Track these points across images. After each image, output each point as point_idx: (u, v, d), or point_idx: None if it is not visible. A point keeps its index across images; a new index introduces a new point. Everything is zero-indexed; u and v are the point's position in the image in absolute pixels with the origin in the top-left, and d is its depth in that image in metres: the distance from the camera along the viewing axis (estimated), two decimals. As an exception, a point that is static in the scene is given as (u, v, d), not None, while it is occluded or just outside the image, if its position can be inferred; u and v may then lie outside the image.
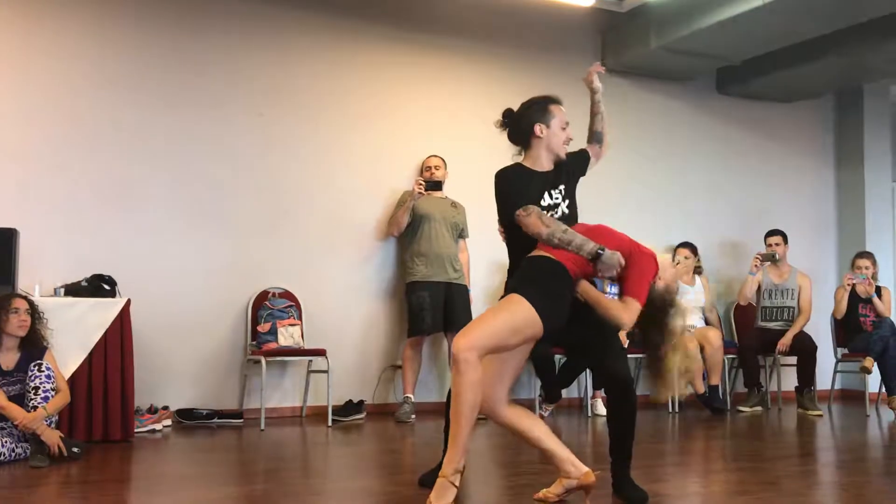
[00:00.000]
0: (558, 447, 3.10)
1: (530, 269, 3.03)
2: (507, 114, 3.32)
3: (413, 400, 5.78)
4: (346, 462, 4.47)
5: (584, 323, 3.09)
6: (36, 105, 5.30)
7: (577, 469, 3.09)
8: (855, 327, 6.66)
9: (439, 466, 2.97)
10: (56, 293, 4.79)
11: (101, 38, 5.48)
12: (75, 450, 4.08)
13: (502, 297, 3.04)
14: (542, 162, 3.29)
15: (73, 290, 4.80)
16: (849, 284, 6.63)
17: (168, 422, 5.22)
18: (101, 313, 4.68)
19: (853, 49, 6.43)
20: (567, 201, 3.28)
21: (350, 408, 5.74)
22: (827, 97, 7.98)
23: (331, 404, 5.49)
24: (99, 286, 4.85)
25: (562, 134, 3.29)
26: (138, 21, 5.59)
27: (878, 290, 6.65)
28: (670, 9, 6.28)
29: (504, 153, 3.41)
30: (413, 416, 5.69)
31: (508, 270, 3.31)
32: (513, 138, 3.34)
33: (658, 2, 6.31)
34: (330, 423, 5.43)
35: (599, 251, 2.92)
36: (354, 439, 5.10)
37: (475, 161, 5.78)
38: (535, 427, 3.12)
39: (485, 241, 5.88)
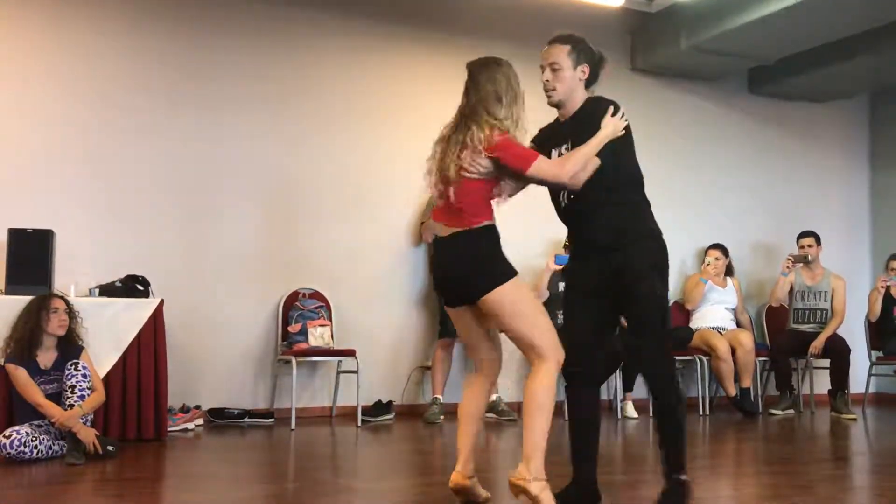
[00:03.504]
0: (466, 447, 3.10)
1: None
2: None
3: (442, 401, 5.79)
4: (376, 462, 4.49)
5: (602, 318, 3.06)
6: (69, 108, 5.39)
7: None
8: (889, 330, 6.57)
9: (573, 481, 3.01)
10: (91, 293, 4.86)
11: (135, 41, 5.56)
12: (110, 448, 4.14)
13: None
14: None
15: (107, 290, 4.86)
16: (883, 286, 6.54)
17: (200, 421, 5.28)
18: (134, 313, 4.74)
19: (886, 48, 6.34)
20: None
21: (379, 408, 5.77)
22: (860, 97, 7.87)
23: (360, 404, 5.51)
24: (133, 287, 4.92)
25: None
26: (169, 24, 5.65)
27: (913, 292, 6.56)
28: (700, 9, 6.23)
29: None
30: (442, 417, 5.70)
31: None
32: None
33: (688, 2, 6.27)
34: (359, 424, 5.46)
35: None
36: (383, 439, 5.12)
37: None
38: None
39: (513, 241, 5.86)
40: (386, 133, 6.17)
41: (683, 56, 6.65)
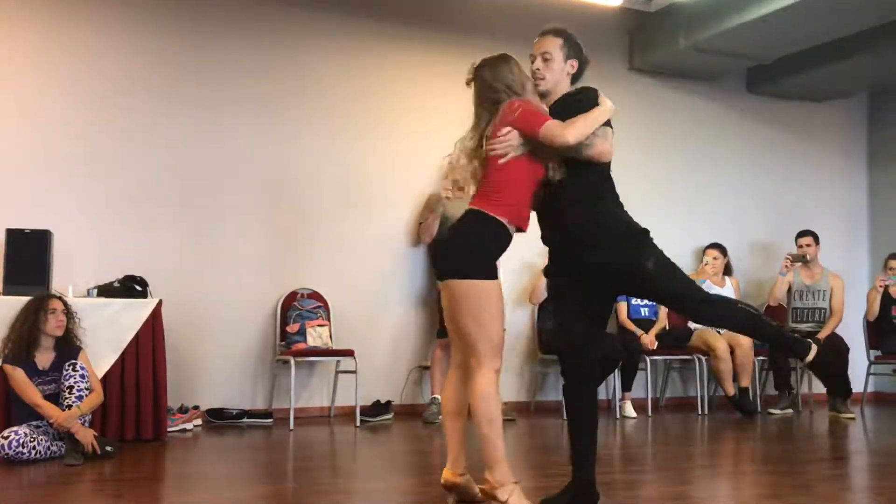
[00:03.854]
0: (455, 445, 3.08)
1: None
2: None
3: (441, 401, 5.78)
4: (375, 462, 4.49)
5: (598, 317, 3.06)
6: (68, 108, 5.38)
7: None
8: (887, 329, 6.57)
9: (573, 481, 2.98)
10: (89, 294, 4.86)
11: (134, 40, 5.55)
12: (109, 448, 4.14)
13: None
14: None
15: (105, 290, 4.86)
16: (881, 286, 6.54)
17: (198, 421, 5.28)
18: (133, 314, 4.74)
19: (885, 48, 6.35)
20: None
21: (378, 408, 5.77)
22: (859, 96, 7.87)
23: (359, 404, 5.51)
24: (131, 287, 4.91)
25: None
26: (170, 25, 5.65)
27: (912, 291, 6.56)
28: (699, 8, 6.24)
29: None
30: (440, 417, 5.69)
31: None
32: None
33: (687, 1, 6.27)
34: (358, 423, 5.46)
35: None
36: (382, 439, 5.12)
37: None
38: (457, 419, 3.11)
39: (513, 241, 5.86)
40: (385, 133, 6.16)
41: (682, 55, 6.65)
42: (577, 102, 2.97)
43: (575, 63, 3.09)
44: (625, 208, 3.04)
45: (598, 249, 2.94)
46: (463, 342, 2.96)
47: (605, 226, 2.96)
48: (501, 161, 2.92)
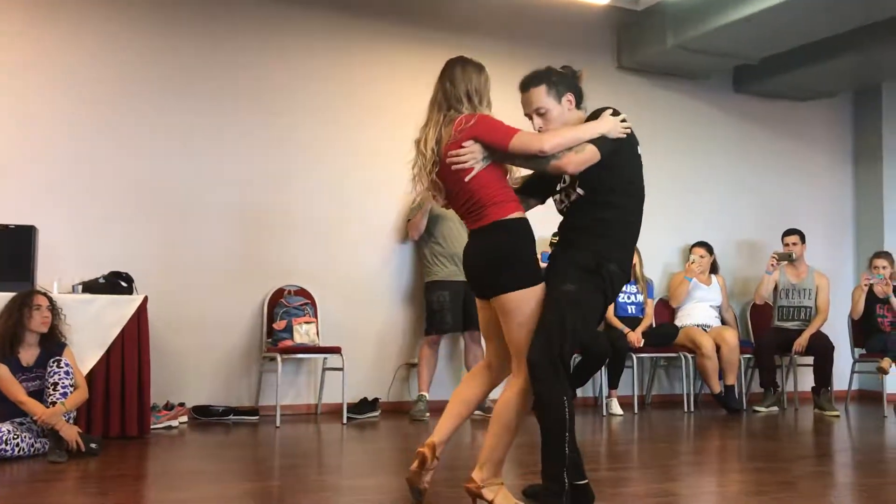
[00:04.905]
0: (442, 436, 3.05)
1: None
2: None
3: (428, 398, 5.78)
4: (361, 459, 4.49)
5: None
6: (53, 104, 5.34)
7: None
8: (872, 328, 6.61)
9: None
10: (74, 290, 4.83)
11: (120, 39, 5.52)
12: (93, 445, 4.12)
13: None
14: None
15: (90, 287, 4.83)
16: (866, 284, 6.58)
17: (184, 418, 5.26)
18: (118, 310, 4.71)
19: (870, 47, 6.39)
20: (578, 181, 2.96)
21: (365, 405, 5.76)
22: (845, 95, 7.92)
23: (346, 402, 5.50)
24: (116, 283, 4.89)
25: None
26: (157, 22, 5.62)
27: (896, 289, 6.61)
28: (686, 7, 6.25)
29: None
30: (428, 415, 5.70)
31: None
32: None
33: (674, 0, 6.29)
34: (345, 421, 5.45)
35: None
36: (369, 437, 5.12)
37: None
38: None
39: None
40: (372, 129, 6.15)
41: (669, 54, 6.67)
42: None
43: (571, 96, 3.02)
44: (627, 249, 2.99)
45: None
46: (512, 349, 2.93)
47: (576, 263, 2.89)
48: (468, 178, 2.88)
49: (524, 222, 2.91)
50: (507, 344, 2.96)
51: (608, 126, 2.89)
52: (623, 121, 2.94)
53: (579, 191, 2.96)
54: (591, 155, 2.84)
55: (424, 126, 3.02)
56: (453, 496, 3.22)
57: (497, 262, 2.87)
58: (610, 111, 2.94)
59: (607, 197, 2.93)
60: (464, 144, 2.87)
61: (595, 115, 2.98)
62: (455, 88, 2.97)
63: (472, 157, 2.87)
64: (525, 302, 2.85)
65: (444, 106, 2.98)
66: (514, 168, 3.04)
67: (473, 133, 2.87)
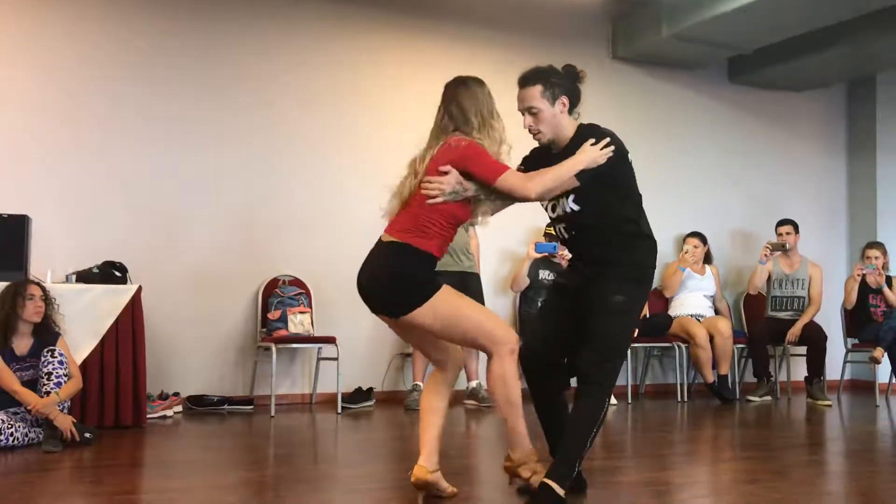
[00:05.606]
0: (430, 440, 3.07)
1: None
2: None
3: (422, 388, 5.78)
4: (356, 448, 4.50)
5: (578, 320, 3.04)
6: (48, 93, 5.32)
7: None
8: (865, 317, 6.64)
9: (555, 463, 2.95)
10: (67, 280, 4.82)
11: (115, 28, 5.49)
12: (87, 435, 4.12)
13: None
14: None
15: (84, 276, 4.82)
16: (859, 275, 6.61)
17: (179, 408, 5.26)
18: (112, 300, 4.70)
19: (865, 38, 6.39)
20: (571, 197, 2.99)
21: (359, 395, 5.77)
22: (839, 86, 7.93)
23: (340, 391, 5.51)
24: (110, 273, 4.88)
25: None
26: (153, 12, 5.59)
27: (889, 280, 6.62)
28: (682, -3, 6.25)
29: (516, 143, 3.13)
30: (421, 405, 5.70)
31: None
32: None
33: (669, -10, 6.28)
34: (339, 410, 5.46)
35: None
36: (364, 426, 5.13)
37: (485, 149, 5.77)
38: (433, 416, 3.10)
39: (493, 228, 5.87)
40: (368, 118, 6.14)
41: (664, 44, 6.66)
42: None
43: (565, 99, 2.99)
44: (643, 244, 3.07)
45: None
46: (466, 344, 3.02)
47: (620, 277, 2.99)
48: (429, 202, 2.89)
49: (432, 260, 2.93)
50: (460, 343, 3.05)
51: (589, 159, 2.88)
52: (606, 145, 2.91)
53: (573, 206, 2.98)
54: (570, 183, 2.89)
55: (426, 149, 3.02)
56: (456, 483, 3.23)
57: (395, 282, 2.96)
58: (591, 141, 2.91)
59: (618, 211, 3.02)
60: (442, 169, 2.88)
61: (590, 132, 2.96)
62: (463, 112, 2.97)
63: (439, 191, 2.87)
64: (438, 308, 2.89)
65: (450, 129, 2.98)
66: (483, 217, 3.05)
67: (458, 157, 2.87)
